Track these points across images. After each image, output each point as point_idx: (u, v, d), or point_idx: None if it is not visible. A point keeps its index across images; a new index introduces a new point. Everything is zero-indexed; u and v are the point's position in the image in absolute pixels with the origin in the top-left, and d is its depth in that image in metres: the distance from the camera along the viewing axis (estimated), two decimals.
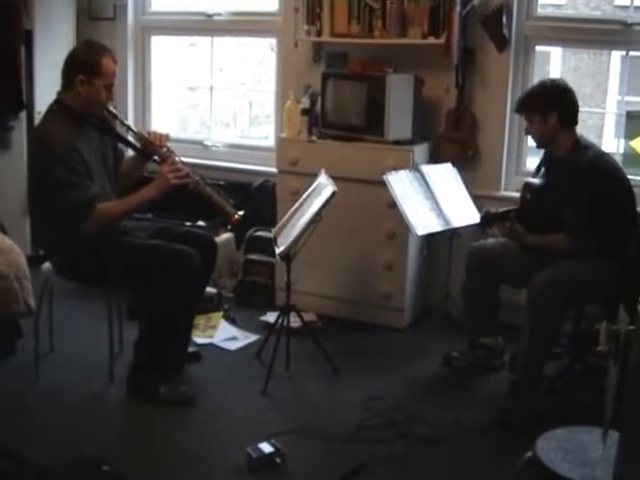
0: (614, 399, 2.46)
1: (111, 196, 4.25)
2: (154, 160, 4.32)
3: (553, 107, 4.09)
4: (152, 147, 4.30)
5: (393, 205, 4.83)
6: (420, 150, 5.22)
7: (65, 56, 4.15)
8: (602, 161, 4.11)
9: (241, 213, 4.37)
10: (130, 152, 4.56)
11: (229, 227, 4.41)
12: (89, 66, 4.03)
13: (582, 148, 4.12)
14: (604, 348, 2.39)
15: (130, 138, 4.45)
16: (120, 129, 4.53)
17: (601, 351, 2.41)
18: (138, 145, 4.39)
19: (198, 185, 4.29)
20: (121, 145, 4.53)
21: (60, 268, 4.28)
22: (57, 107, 4.14)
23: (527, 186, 4.41)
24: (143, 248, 4.25)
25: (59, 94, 4.17)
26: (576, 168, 4.05)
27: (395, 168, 4.93)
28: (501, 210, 4.40)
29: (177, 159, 4.28)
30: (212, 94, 6.55)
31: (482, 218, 4.55)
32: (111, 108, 4.28)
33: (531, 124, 4.20)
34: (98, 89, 4.07)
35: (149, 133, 4.38)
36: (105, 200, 4.13)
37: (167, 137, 4.35)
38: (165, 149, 4.30)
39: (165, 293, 4.08)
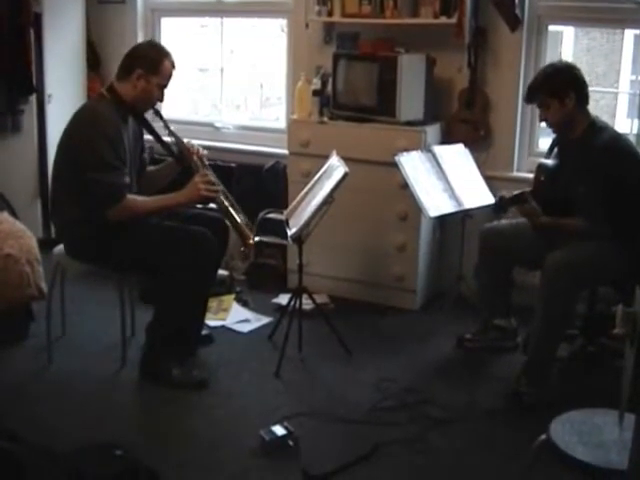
0: (630, 381, 2.45)
1: (135, 193, 4.26)
2: (187, 169, 4.35)
3: (570, 86, 4.02)
4: (189, 155, 4.38)
5: (405, 186, 4.81)
6: (432, 131, 5.19)
7: (75, 40, 4.17)
8: (617, 143, 4.06)
9: (257, 239, 4.54)
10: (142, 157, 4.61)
11: (242, 249, 4.46)
12: (149, 63, 4.15)
13: (597, 130, 4.06)
14: (620, 331, 2.37)
15: (169, 142, 4.47)
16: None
17: (617, 334, 2.39)
18: (175, 150, 4.43)
19: (224, 202, 4.36)
20: (146, 151, 4.64)
21: (73, 249, 4.27)
22: (109, 94, 4.20)
23: (541, 167, 4.37)
24: (157, 228, 4.27)
25: (112, 82, 4.26)
26: (591, 150, 4.00)
27: (407, 149, 4.92)
28: (514, 193, 4.36)
29: (210, 173, 4.32)
30: (223, 76, 6.52)
31: (496, 203, 4.53)
32: (158, 108, 4.39)
33: (547, 110, 4.11)
34: (152, 87, 4.17)
35: (188, 142, 4.44)
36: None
37: (204, 153, 4.45)
38: (200, 162, 4.37)
39: (180, 273, 4.08)
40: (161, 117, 4.42)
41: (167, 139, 4.46)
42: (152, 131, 4.45)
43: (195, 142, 4.53)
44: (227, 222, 4.42)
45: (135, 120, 4.32)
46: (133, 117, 4.29)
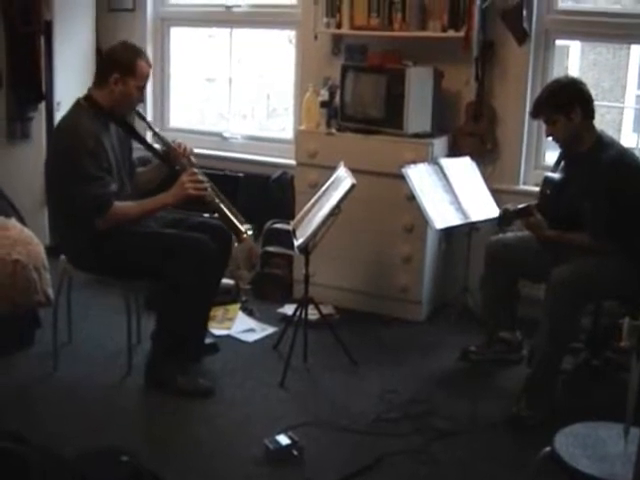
0: (636, 394, 2.45)
1: (129, 197, 4.27)
2: (175, 169, 4.34)
3: (576, 101, 4.03)
4: (175, 155, 4.35)
5: (412, 198, 4.82)
6: (439, 143, 5.21)
7: (85, 47, 4.17)
8: (624, 159, 4.06)
9: (250, 233, 4.47)
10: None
11: (236, 244, 4.46)
12: (125, 66, 4.11)
13: (604, 145, 4.07)
14: (627, 343, 2.38)
15: (154, 143, 4.47)
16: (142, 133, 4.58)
17: (622, 346, 2.40)
18: (160, 151, 4.43)
19: (214, 199, 4.33)
20: (135, 153, 4.60)
21: (73, 258, 4.29)
22: (86, 103, 4.19)
23: (547, 181, 4.38)
24: (156, 237, 4.28)
25: (90, 90, 4.23)
26: (597, 165, 4.00)
27: (414, 161, 4.93)
28: (519, 207, 4.37)
29: (198, 171, 4.30)
30: (231, 86, 6.55)
31: (500, 216, 4.54)
32: (140, 110, 4.39)
33: (553, 126, 4.12)
34: (131, 89, 4.14)
35: (174, 141, 4.42)
36: (122, 200, 4.17)
37: (191, 150, 4.40)
38: (187, 160, 4.35)
39: (180, 281, 4.08)
40: (144, 118, 4.42)
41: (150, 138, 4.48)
42: (136, 134, 4.46)
43: (178, 139, 4.49)
44: (221, 216, 4.37)
45: (117, 125, 4.30)
46: (114, 122, 4.27)
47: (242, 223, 4.39)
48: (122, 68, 4.10)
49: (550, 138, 4.25)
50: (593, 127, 4.13)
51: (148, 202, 4.26)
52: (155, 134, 4.43)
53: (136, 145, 4.53)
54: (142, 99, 4.29)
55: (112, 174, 4.14)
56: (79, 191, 4.00)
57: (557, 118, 4.08)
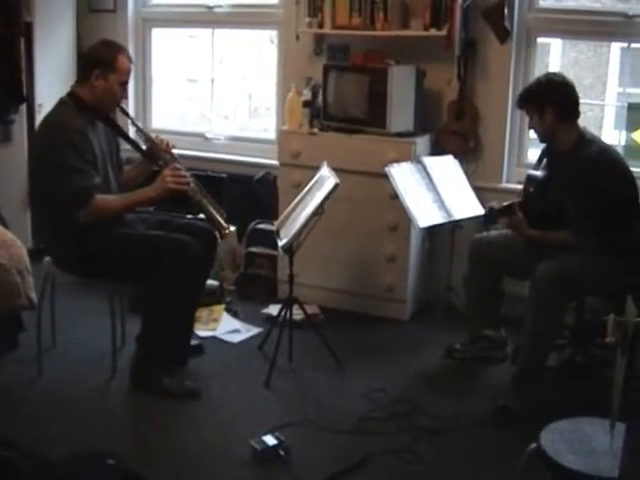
0: (621, 390, 2.46)
1: (115, 192, 4.27)
2: (158, 164, 4.34)
3: (548, 102, 4.07)
4: (157, 150, 4.37)
5: (395, 197, 4.83)
6: (422, 142, 5.21)
7: (66, 49, 4.17)
8: (604, 156, 4.09)
9: (232, 229, 4.52)
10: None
11: (219, 240, 4.47)
12: (105, 62, 4.13)
13: (585, 143, 4.10)
14: (611, 339, 2.39)
15: (137, 139, 4.47)
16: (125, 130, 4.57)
17: (607, 343, 2.41)
18: (144, 147, 4.42)
19: (196, 194, 4.34)
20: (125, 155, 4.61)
21: (58, 260, 4.28)
22: (69, 100, 4.19)
23: (530, 179, 4.41)
24: (142, 238, 4.27)
25: (73, 87, 4.24)
26: (578, 163, 4.04)
27: (397, 160, 4.93)
28: (504, 204, 4.40)
29: (180, 166, 4.30)
30: (213, 86, 6.53)
31: (486, 214, 4.55)
32: (123, 106, 4.40)
33: (531, 120, 4.21)
34: (112, 85, 4.15)
35: (156, 137, 4.43)
36: (107, 194, 4.16)
37: (173, 145, 4.42)
38: (170, 156, 4.36)
39: (166, 283, 4.08)
40: (127, 114, 4.43)
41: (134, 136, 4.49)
42: (119, 130, 4.46)
43: (164, 137, 4.51)
44: (204, 212, 4.41)
45: (100, 121, 4.30)
46: (98, 119, 4.27)
47: (224, 218, 4.39)
48: (103, 64, 4.12)
49: (532, 130, 4.31)
50: (574, 126, 4.15)
51: (130, 195, 4.27)
52: (138, 129, 4.44)
53: (125, 146, 4.54)
54: (125, 95, 4.30)
55: (97, 168, 4.14)
56: (62, 183, 4.00)
57: (533, 115, 4.15)
